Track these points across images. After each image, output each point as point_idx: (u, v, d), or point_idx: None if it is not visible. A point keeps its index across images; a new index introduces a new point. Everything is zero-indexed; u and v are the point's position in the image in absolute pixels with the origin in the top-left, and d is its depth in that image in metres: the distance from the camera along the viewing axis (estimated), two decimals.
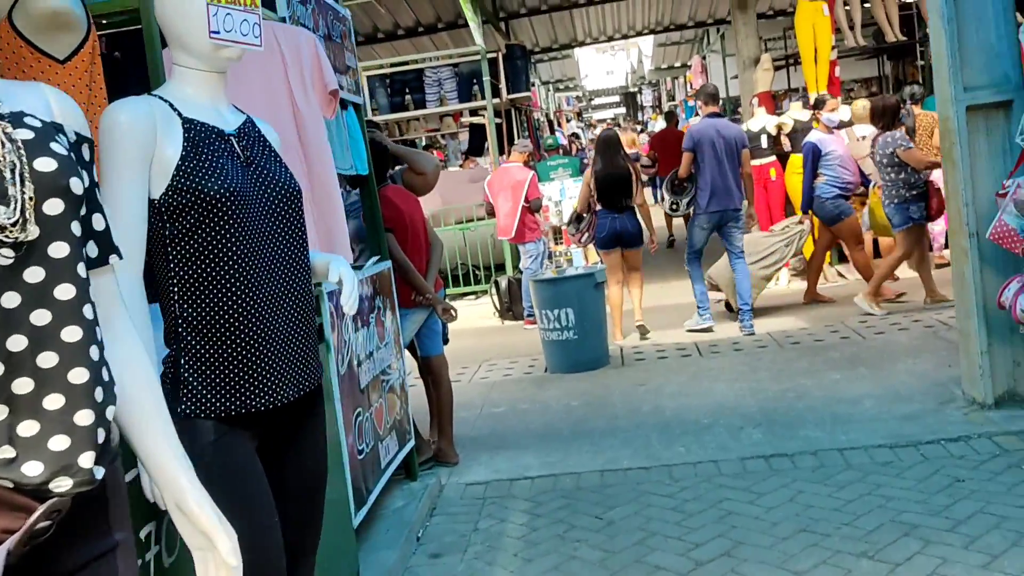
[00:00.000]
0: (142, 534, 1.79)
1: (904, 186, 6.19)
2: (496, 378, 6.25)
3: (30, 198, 1.07)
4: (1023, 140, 3.82)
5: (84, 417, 1.10)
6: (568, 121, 26.60)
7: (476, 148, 12.23)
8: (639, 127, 25.52)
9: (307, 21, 3.32)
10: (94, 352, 1.13)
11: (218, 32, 1.71)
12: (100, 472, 1.13)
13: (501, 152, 9.74)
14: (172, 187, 1.69)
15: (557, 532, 3.55)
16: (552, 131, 16.12)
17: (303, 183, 2.71)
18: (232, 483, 1.73)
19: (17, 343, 1.06)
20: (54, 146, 1.14)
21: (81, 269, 1.13)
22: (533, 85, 14.48)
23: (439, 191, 9.37)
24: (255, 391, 1.75)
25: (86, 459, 1.10)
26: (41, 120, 1.17)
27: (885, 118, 6.39)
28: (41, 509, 1.07)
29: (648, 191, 13.80)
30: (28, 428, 1.07)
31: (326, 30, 3.58)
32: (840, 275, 8.08)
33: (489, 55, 9.75)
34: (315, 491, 1.99)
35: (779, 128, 8.30)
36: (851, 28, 9.74)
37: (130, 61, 2.74)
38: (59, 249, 1.11)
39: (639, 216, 6.80)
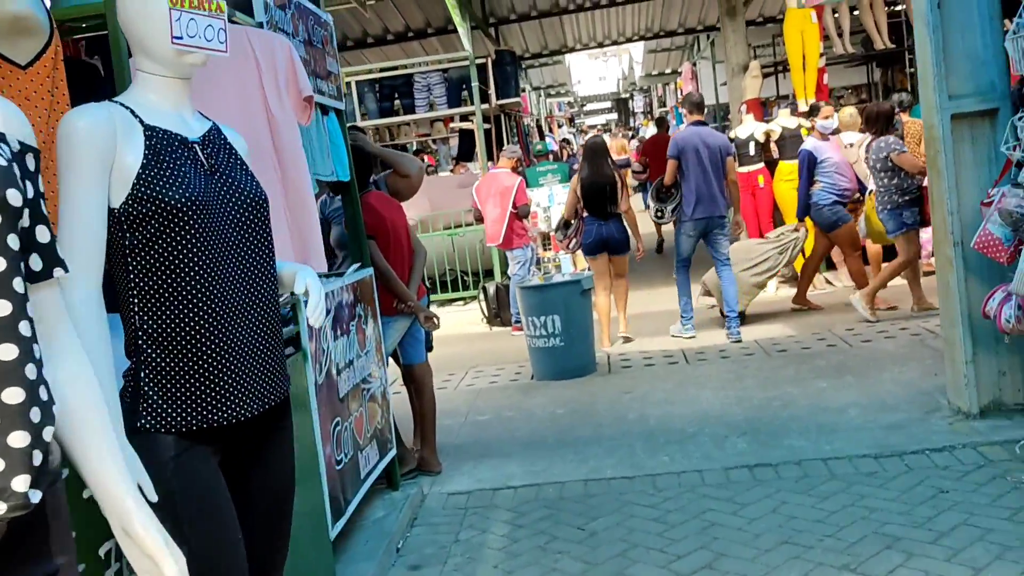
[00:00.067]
0: (101, 551, 1.75)
1: (897, 192, 6.18)
2: (482, 385, 6.21)
3: None
4: (1008, 149, 3.81)
5: (19, 439, 1.06)
6: (560, 127, 26.62)
7: (466, 153, 12.20)
8: (630, 133, 25.57)
9: (286, 26, 3.28)
10: (30, 371, 1.09)
11: (181, 37, 1.67)
12: (37, 496, 1.08)
13: (490, 158, 9.71)
14: (132, 196, 1.65)
15: (538, 543, 3.51)
16: (542, 137, 16.10)
17: (277, 189, 2.67)
18: (194, 499, 1.69)
19: None
20: None
21: (18, 284, 1.09)
22: (523, 91, 14.47)
23: (427, 196, 9.35)
24: (217, 405, 1.71)
25: (20, 483, 1.06)
26: None
27: (879, 123, 6.39)
28: None
29: (640, 197, 13.81)
30: None
31: (307, 35, 3.55)
32: (828, 282, 8.07)
33: (478, 61, 9.73)
34: (282, 506, 1.95)
35: (767, 135, 8.29)
36: (840, 35, 9.75)
37: (108, 66, 2.70)
38: None
39: (625, 223, 6.79)
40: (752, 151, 8.36)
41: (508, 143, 10.74)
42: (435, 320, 4.39)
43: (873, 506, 3.40)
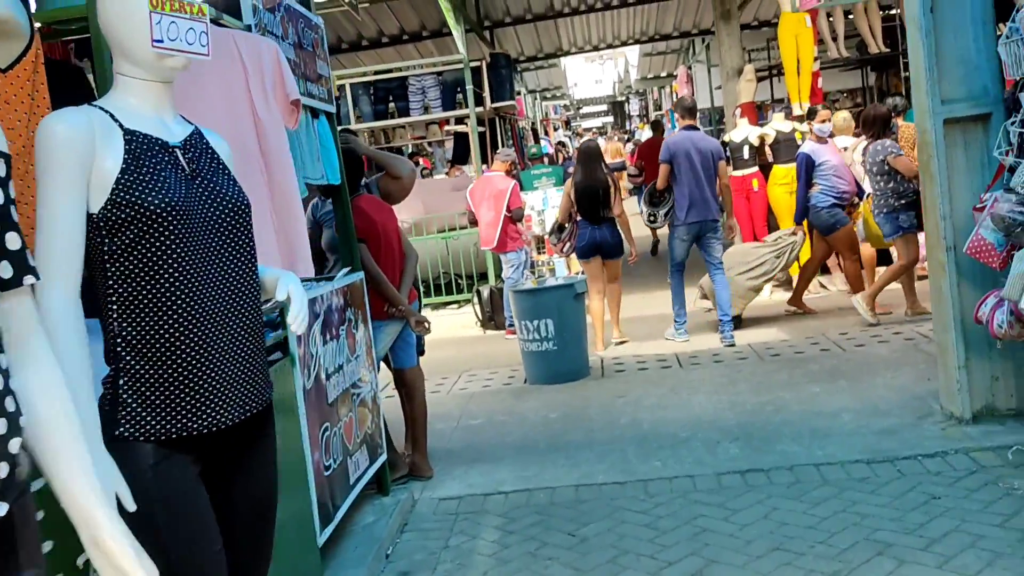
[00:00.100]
0: (79, 561, 1.73)
1: (893, 195, 6.18)
2: (475, 389, 6.19)
3: None
4: (1000, 154, 3.80)
5: None
6: (556, 130, 26.63)
7: (461, 156, 12.18)
8: (626, 136, 25.57)
9: (275, 29, 3.26)
10: None
11: (161, 41, 1.65)
12: (3, 508, 1.06)
13: (484, 161, 9.70)
14: (111, 201, 1.63)
15: (529, 549, 3.49)
16: (537, 140, 16.09)
17: (263, 193, 2.65)
18: (173, 508, 1.67)
19: None
20: None
21: None
22: (519, 94, 14.46)
23: (421, 199, 9.34)
24: (197, 413, 1.69)
25: None
26: None
27: (876, 127, 6.39)
28: None
29: (635, 200, 13.79)
30: None
31: (296, 38, 3.53)
32: (822, 286, 8.06)
33: (473, 64, 9.71)
34: (265, 515, 1.92)
35: (762, 139, 8.28)
36: (834, 39, 9.77)
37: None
38: None
39: (619, 227, 6.78)
40: (746, 155, 8.35)
41: (503, 146, 10.73)
42: (426, 324, 4.37)
43: (865, 512, 3.39)
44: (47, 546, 1.66)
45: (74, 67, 2.63)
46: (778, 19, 8.82)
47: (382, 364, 4.42)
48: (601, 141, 24.02)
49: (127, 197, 1.63)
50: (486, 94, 10.08)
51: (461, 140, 12.13)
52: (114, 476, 1.57)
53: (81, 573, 1.68)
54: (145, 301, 1.65)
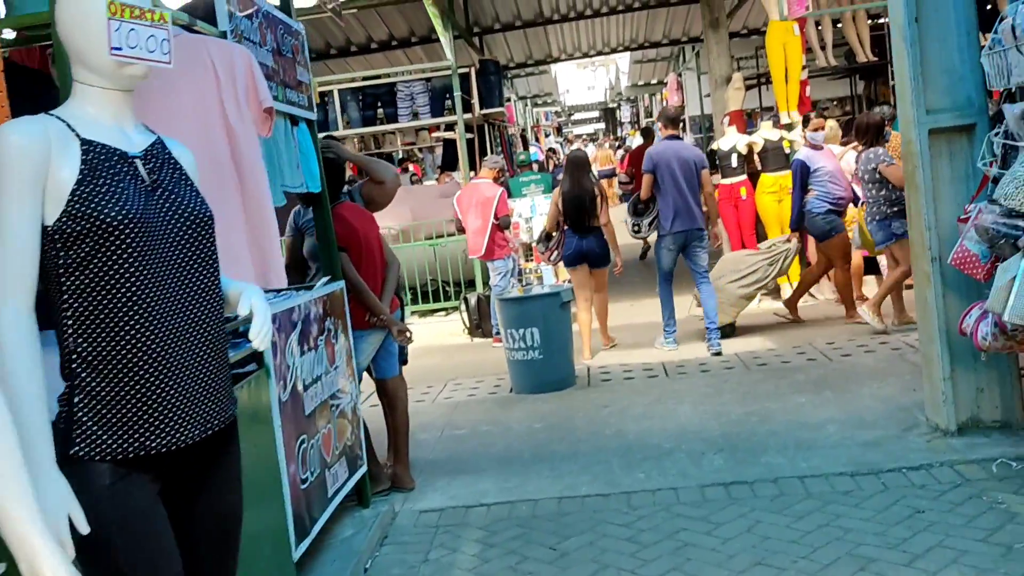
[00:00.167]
0: None
1: (885, 203, 6.16)
2: (460, 398, 6.14)
3: None
4: (984, 165, 3.78)
5: None
6: (547, 136, 26.62)
7: (450, 163, 12.13)
8: (617, 143, 25.59)
9: (253, 36, 3.22)
10: None
11: (120, 48, 1.61)
12: None
13: (473, 168, 9.65)
14: (67, 213, 1.58)
15: (509, 564, 3.44)
16: (526, 147, 16.06)
17: (236, 203, 2.61)
18: (130, 530, 1.62)
19: None
20: None
21: None
22: (509, 100, 14.43)
23: (409, 206, 9.28)
24: (155, 431, 1.64)
25: None
26: None
27: (869, 134, 6.38)
28: None
29: (625, 207, 13.79)
30: None
31: (275, 44, 3.48)
32: (811, 295, 8.04)
33: (461, 70, 9.67)
34: (229, 533, 1.87)
35: (750, 147, 8.27)
36: (822, 48, 9.75)
37: None
38: None
39: (605, 236, 6.76)
40: (735, 163, 8.34)
41: (492, 153, 10.69)
42: (408, 334, 4.32)
43: (848, 526, 3.35)
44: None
45: (43, 74, 2.58)
46: (766, 27, 8.80)
47: (364, 374, 4.37)
48: (592, 148, 24.09)
49: (83, 209, 1.58)
50: (475, 100, 10.03)
51: (450, 146, 12.08)
52: (66, 497, 1.52)
53: None
54: (101, 316, 1.61)
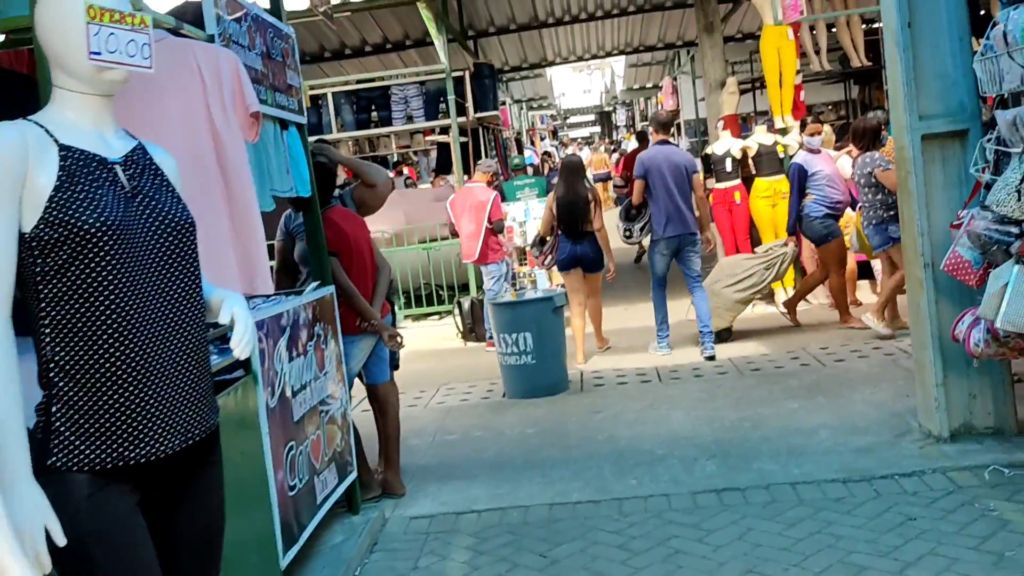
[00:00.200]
0: None
1: (882, 207, 6.16)
2: (453, 403, 6.11)
3: None
4: (977, 171, 3.77)
5: None
6: (542, 139, 26.62)
7: (445, 166, 12.12)
8: (612, 146, 25.59)
9: (242, 39, 3.20)
10: None
11: (99, 53, 1.59)
12: None
13: (467, 171, 9.63)
14: (44, 220, 1.56)
15: (499, 571, 3.42)
16: (521, 150, 16.05)
17: (222, 208, 2.58)
18: (108, 542, 1.59)
19: None
20: None
21: None
22: (503, 104, 14.42)
23: (403, 209, 9.26)
24: (135, 441, 1.61)
25: None
26: None
27: (865, 139, 6.38)
28: None
29: (620, 211, 13.77)
30: None
31: (264, 48, 3.46)
32: (805, 300, 8.02)
33: (455, 73, 9.65)
34: (210, 542, 1.85)
35: (744, 151, 8.26)
36: (817, 52, 9.76)
37: None
38: None
39: (599, 241, 6.75)
40: (729, 167, 8.33)
41: (486, 157, 10.67)
42: (399, 339, 4.29)
43: (840, 534, 3.33)
44: None
45: (27, 78, 2.55)
46: (761, 32, 8.81)
47: (355, 379, 4.34)
48: (587, 151, 24.08)
49: (60, 216, 1.56)
50: (469, 104, 10.02)
51: (444, 150, 12.07)
52: (43, 508, 1.50)
53: None
54: (79, 325, 1.58)
